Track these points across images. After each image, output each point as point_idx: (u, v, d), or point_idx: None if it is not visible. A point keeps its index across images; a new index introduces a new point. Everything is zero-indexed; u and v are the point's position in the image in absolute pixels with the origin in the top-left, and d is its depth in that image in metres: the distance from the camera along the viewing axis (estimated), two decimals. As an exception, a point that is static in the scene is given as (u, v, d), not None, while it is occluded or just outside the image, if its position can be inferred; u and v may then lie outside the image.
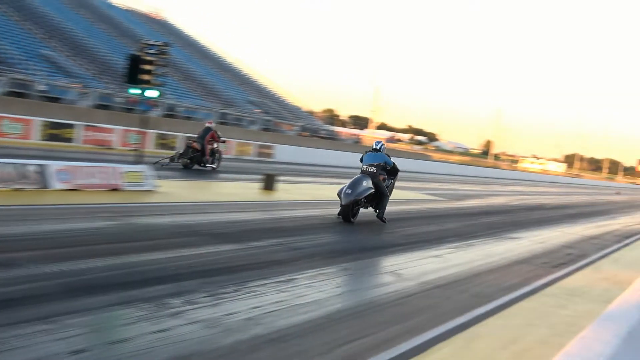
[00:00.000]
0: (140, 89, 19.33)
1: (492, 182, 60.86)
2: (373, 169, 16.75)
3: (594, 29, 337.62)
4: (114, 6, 69.97)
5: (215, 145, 27.61)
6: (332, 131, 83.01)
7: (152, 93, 19.45)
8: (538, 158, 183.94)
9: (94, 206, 14.20)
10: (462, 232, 17.95)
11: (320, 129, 76.99)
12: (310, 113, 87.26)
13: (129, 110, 42.10)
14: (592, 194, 63.81)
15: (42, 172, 15.09)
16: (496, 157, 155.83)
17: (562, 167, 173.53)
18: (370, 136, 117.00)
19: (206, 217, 14.74)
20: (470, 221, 21.20)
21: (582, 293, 11.47)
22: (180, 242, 11.32)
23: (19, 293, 7.33)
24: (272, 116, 67.89)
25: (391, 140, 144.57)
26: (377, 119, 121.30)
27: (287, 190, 22.03)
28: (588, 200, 50.16)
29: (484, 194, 38.92)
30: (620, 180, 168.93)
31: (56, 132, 30.64)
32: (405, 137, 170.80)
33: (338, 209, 16.42)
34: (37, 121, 30.14)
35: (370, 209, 17.00)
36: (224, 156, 29.30)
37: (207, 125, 28.05)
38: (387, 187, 17.09)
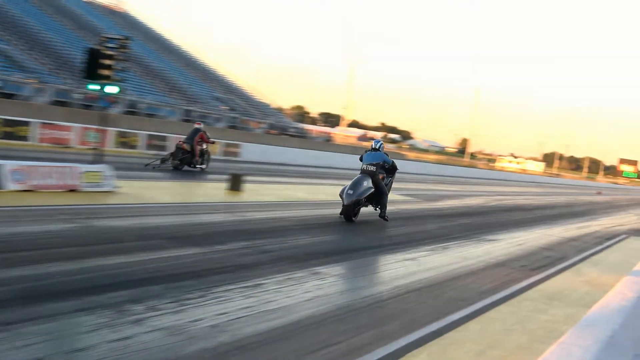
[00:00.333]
0: (100, 84, 19.16)
1: (468, 182, 61.24)
2: (373, 168, 18.06)
3: (573, 23, 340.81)
4: (73, -3, 69.44)
5: (204, 146, 28.46)
6: (302, 129, 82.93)
7: (112, 89, 19.31)
8: (516, 157, 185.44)
9: (50, 208, 14.05)
10: (438, 234, 18.03)
11: (289, 127, 76.93)
12: (279, 110, 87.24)
13: (88, 107, 41.88)
14: (572, 194, 64.39)
15: (-5, 172, 14.94)
16: (473, 156, 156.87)
17: (540, 167, 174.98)
18: (342, 134, 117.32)
19: (169, 219, 14.68)
20: (446, 223, 21.29)
21: (562, 297, 11.56)
22: (142, 246, 11.26)
23: (-29, 300, 7.25)
24: (239, 113, 67.70)
25: (363, 138, 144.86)
26: (348, 116, 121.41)
27: (255, 191, 22.00)
28: (568, 200, 50.61)
29: (460, 195, 39.14)
30: (601, 179, 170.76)
31: (10, 130, 30.27)
32: (378, 135, 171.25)
33: (308, 210, 16.66)
34: (-10, 119, 29.79)
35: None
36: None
37: (196, 126, 28.93)
38: (385, 185, 18.51)
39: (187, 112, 57.67)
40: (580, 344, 5.04)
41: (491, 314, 9.68)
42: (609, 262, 17.03)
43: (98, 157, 19.28)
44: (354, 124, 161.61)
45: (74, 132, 33.23)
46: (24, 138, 30.52)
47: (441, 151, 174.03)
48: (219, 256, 11.23)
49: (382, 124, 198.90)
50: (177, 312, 7.72)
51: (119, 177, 18.01)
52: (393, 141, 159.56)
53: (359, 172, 18.21)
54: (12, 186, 15.09)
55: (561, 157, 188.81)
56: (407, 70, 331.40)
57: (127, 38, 19.83)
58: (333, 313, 8.64)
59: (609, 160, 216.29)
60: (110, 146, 31.21)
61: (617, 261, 17.40)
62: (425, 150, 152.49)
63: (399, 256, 13.71)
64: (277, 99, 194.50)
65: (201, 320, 7.54)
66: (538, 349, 7.59)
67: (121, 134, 36.10)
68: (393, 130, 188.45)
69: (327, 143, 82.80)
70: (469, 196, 38.69)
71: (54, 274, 8.73)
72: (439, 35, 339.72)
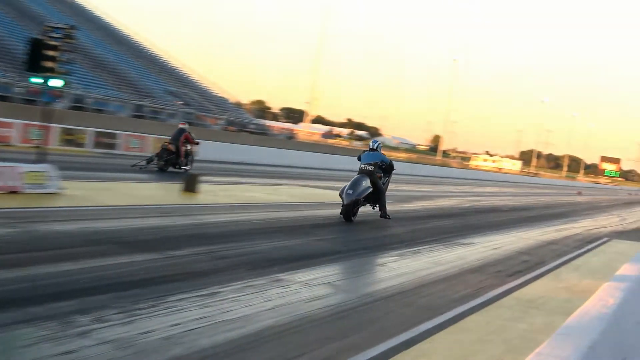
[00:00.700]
0: (43, 77, 19.02)
1: (441, 181, 61.61)
2: (371, 168, 19.64)
3: (552, 20, 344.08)
4: (13, -17, 68.76)
5: (188, 147, 29.61)
6: (263, 125, 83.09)
7: (56, 82, 19.18)
8: (491, 155, 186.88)
9: (-12, 211, 13.92)
10: (408, 237, 18.10)
11: (249, 123, 76.94)
12: (238, 105, 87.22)
13: (30, 101, 41.48)
14: (551, 194, 65.00)
15: None
16: (445, 154, 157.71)
17: (517, 165, 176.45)
18: (306, 131, 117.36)
19: (119, 223, 14.56)
20: (416, 225, 21.39)
21: (540, 304, 11.65)
22: (88, 252, 11.16)
23: None
24: (194, 108, 67.53)
25: (328, 135, 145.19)
26: (312, 111, 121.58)
27: (211, 192, 21.91)
28: (546, 201, 51.06)
29: (432, 195, 39.33)
30: (582, 179, 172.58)
31: (-55, 127, 29.94)
32: (345, 131, 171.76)
33: (268, 213, 17.49)
34: None
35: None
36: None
37: (181, 126, 30.43)
38: (383, 185, 20.12)
39: (138, 107, 57.44)
40: (558, 354, 5.07)
41: (465, 323, 9.71)
42: (590, 267, 17.20)
43: (41, 156, 19.09)
44: (319, 120, 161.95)
45: (15, 128, 32.83)
46: (-41, 135, 30.19)
47: (412, 149, 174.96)
48: (172, 262, 11.17)
49: (349, 119, 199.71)
50: (126, 324, 7.65)
51: (65, 178, 17.83)
52: (360, 138, 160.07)
53: (356, 172, 19.70)
54: (-54, 188, 14.92)
55: (539, 155, 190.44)
56: (377, 63, 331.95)
57: (72, 27, 19.69)
58: (296, 323, 8.62)
59: (590, 158, 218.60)
60: (54, 144, 30.88)
61: (598, 266, 17.57)
62: (395, 148, 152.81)
63: (367, 261, 13.75)
64: (236, 93, 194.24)
65: (153, 332, 7.49)
66: (514, 360, 7.64)
67: (66, 131, 35.67)
68: (360, 126, 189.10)
69: (289, 140, 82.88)
70: (442, 197, 38.89)
71: (-8, 283, 8.63)
72: (411, 25, 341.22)
